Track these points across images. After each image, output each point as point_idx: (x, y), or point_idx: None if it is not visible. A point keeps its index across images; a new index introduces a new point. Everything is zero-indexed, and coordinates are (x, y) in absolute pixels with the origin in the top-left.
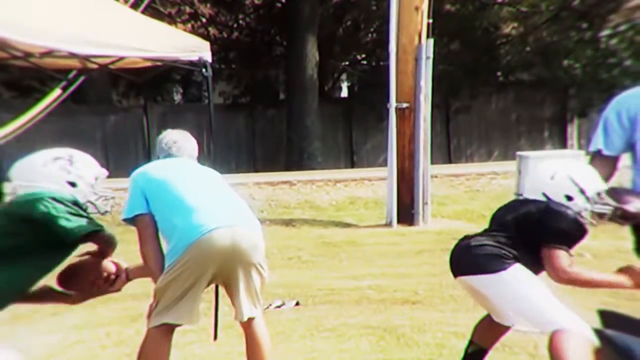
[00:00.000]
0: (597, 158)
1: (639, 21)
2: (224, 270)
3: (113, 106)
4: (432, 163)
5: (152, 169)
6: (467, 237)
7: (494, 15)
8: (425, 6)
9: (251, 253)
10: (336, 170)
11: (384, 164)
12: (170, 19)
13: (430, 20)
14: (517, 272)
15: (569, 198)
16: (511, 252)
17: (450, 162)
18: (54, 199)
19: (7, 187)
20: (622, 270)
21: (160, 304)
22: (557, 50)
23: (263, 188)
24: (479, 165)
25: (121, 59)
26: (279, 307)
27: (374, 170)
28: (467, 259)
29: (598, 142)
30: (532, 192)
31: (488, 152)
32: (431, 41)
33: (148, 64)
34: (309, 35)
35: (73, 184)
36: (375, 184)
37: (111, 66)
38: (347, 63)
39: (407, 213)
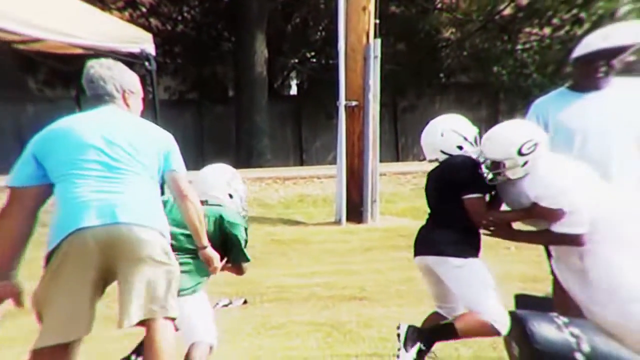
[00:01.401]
0: None
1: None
2: (106, 269)
3: (30, 95)
4: (380, 161)
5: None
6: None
7: (434, 19)
8: (372, 7)
9: (134, 248)
10: (285, 167)
11: (334, 161)
12: (103, 5)
13: (377, 21)
14: (473, 263)
15: (460, 148)
16: (469, 241)
17: (398, 160)
18: (246, 229)
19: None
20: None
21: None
22: (488, 57)
23: None
24: (425, 164)
25: (37, 40)
26: (226, 305)
27: (323, 167)
28: (430, 241)
29: None
30: (431, 153)
31: None
32: (378, 41)
33: (78, 51)
34: (257, 32)
35: (230, 196)
36: (325, 182)
37: (20, 46)
38: (296, 60)
39: (356, 211)
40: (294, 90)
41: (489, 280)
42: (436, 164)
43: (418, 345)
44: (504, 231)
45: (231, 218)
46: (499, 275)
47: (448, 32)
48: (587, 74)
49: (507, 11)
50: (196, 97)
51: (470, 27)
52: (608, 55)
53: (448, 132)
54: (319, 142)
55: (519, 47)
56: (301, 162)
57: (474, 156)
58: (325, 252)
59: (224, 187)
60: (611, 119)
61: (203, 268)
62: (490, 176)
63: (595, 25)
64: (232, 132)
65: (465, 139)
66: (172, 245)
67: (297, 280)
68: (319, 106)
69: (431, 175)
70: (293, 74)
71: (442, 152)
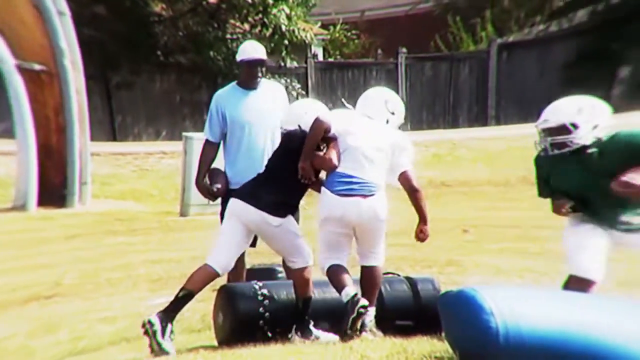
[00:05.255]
0: (206, 144)
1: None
2: None
3: None
4: (92, 140)
5: None
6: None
7: None
8: None
9: None
10: None
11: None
12: None
13: None
14: (289, 220)
15: (300, 127)
16: (290, 203)
17: (115, 140)
18: None
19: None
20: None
21: None
22: (202, 41)
23: None
24: (147, 145)
25: None
26: None
27: None
28: (266, 200)
29: (206, 131)
30: (289, 124)
31: (156, 132)
32: None
33: None
34: None
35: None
36: None
37: None
38: None
39: (55, 194)
40: None
41: None
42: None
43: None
44: None
45: None
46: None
47: (158, 7)
48: (250, 75)
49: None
50: None
51: (180, 7)
52: (258, 63)
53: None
54: None
55: (228, 36)
56: None
57: None
58: (2, 246)
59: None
60: (266, 112)
61: None
62: None
63: (275, 29)
64: None
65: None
66: None
67: None
68: None
69: (281, 147)
70: None
71: (299, 127)
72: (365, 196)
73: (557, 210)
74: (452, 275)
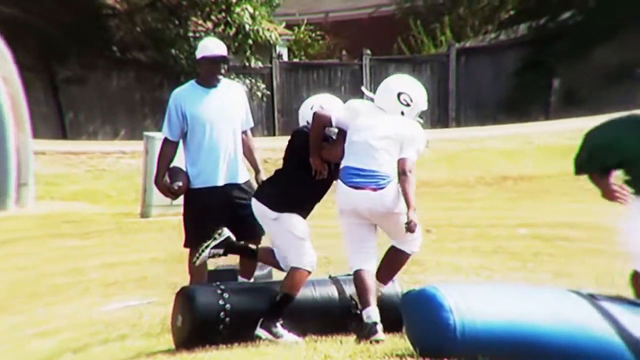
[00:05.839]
0: (165, 143)
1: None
2: None
3: None
4: (37, 137)
5: None
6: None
7: None
8: None
9: None
10: None
11: None
12: None
13: None
14: (290, 218)
15: (308, 122)
16: (291, 199)
17: (66, 138)
18: None
19: None
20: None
21: None
22: (162, 38)
23: None
24: (104, 144)
25: None
26: None
27: None
28: (267, 193)
29: (165, 130)
30: (302, 121)
31: (114, 131)
32: None
33: None
34: None
35: None
36: None
37: None
38: None
39: None
40: None
41: None
42: None
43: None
44: None
45: None
46: None
47: (111, 0)
48: (211, 73)
49: None
50: None
51: (137, 1)
52: (220, 60)
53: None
54: None
55: (191, 34)
56: None
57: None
58: None
59: None
60: (227, 111)
61: None
62: None
63: (239, 29)
64: None
65: None
66: None
67: None
68: None
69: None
70: None
71: (308, 122)
72: (375, 189)
73: (611, 194)
74: (415, 275)
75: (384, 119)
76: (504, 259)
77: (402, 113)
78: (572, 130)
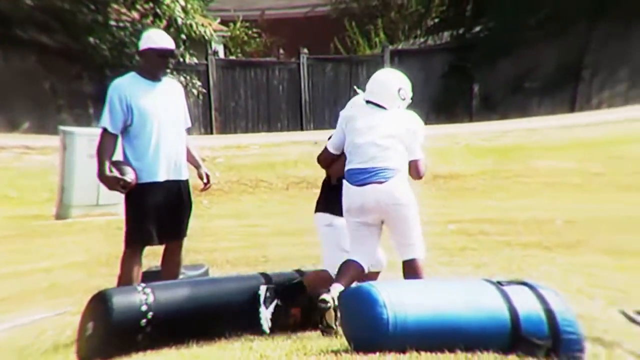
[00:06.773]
0: (105, 135)
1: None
2: None
3: None
4: None
5: None
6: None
7: None
8: None
9: None
10: None
11: None
12: None
13: None
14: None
15: None
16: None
17: None
18: None
19: None
20: None
21: None
22: (76, 23)
23: None
24: None
25: None
26: None
27: None
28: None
29: (106, 121)
30: None
31: (11, 123)
32: None
33: None
34: None
35: None
36: None
37: None
38: None
39: None
40: None
41: None
42: None
43: (275, 301)
44: None
45: None
46: None
47: None
48: (158, 66)
49: None
50: None
51: None
52: (169, 53)
53: None
54: None
55: (113, 23)
56: None
57: None
58: None
59: None
60: (173, 106)
61: None
62: None
63: (170, 22)
64: None
65: None
66: None
67: None
68: None
69: None
70: None
71: None
72: (381, 182)
73: None
74: None
75: (384, 117)
76: (436, 255)
77: (398, 107)
78: (488, 132)
